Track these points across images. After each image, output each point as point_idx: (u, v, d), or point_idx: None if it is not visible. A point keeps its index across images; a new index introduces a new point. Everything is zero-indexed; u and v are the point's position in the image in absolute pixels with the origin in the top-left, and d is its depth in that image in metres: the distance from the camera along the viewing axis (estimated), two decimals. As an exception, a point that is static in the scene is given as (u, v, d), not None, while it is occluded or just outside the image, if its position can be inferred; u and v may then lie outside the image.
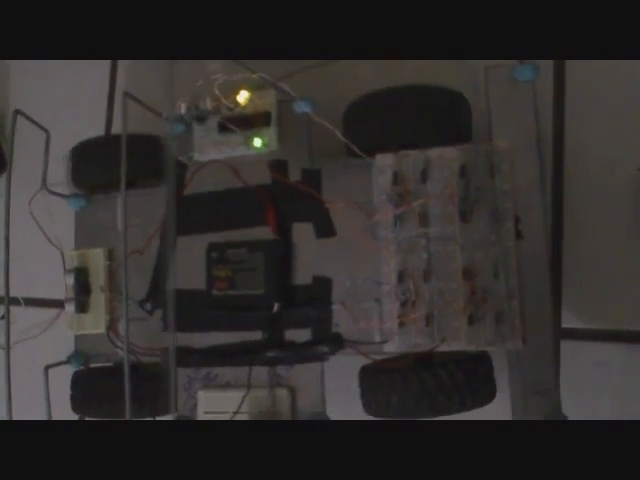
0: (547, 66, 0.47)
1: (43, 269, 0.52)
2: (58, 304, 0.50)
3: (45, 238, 0.48)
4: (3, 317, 0.43)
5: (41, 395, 0.46)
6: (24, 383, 0.44)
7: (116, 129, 0.60)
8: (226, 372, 0.44)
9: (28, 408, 0.43)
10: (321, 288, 0.43)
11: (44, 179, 0.48)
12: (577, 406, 0.44)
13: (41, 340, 0.48)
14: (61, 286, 0.49)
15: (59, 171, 0.50)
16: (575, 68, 0.47)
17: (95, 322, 0.48)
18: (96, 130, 0.59)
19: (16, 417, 0.42)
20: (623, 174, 0.46)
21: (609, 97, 0.47)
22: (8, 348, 0.42)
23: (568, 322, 0.46)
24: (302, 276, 0.43)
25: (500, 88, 0.40)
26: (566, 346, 0.44)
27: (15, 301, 0.50)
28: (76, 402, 0.47)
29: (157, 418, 0.45)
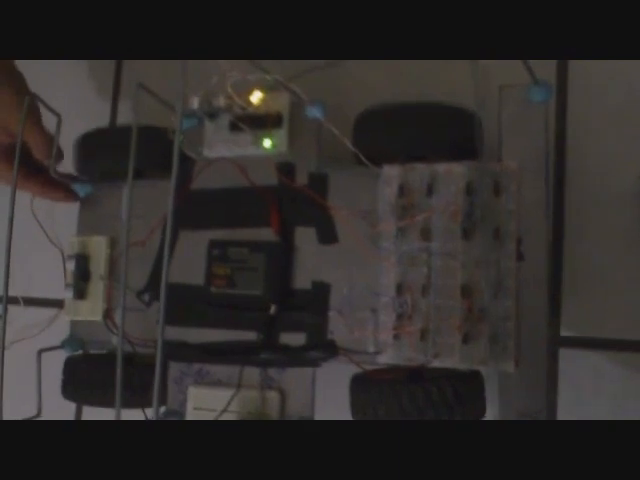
0: (550, 70, 0.47)
1: (43, 269, 0.52)
2: (57, 304, 0.50)
3: (46, 238, 0.49)
4: (1, 317, 0.43)
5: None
6: (20, 382, 0.44)
7: (122, 119, 0.60)
8: (218, 370, 0.45)
9: (23, 406, 0.44)
10: (319, 294, 0.42)
11: (52, 164, 0.48)
12: (574, 412, 0.45)
13: (39, 340, 0.48)
14: (61, 286, 0.49)
15: (64, 162, 0.50)
16: (577, 74, 0.47)
17: (92, 309, 0.48)
18: (101, 121, 0.59)
19: (11, 412, 0.42)
20: (624, 182, 0.46)
21: (610, 103, 0.47)
22: (3, 348, 0.42)
23: (566, 330, 0.46)
24: (301, 280, 0.43)
25: (513, 107, 0.40)
26: (564, 354, 0.45)
27: (14, 300, 0.50)
28: (67, 388, 0.47)
29: (147, 410, 0.45)
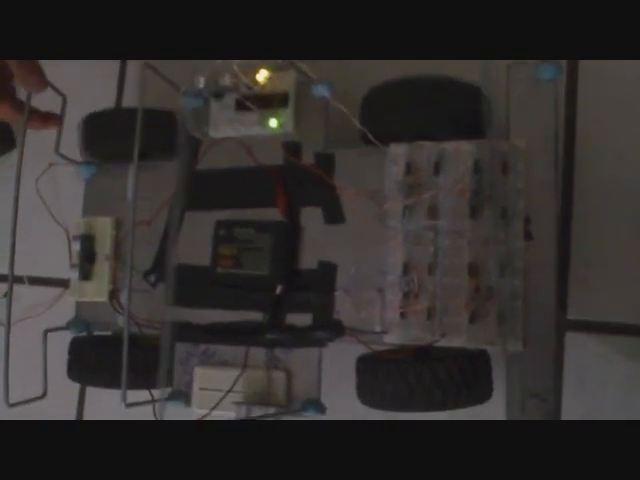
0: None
1: (48, 248, 0.52)
2: (62, 283, 0.50)
3: (51, 218, 0.48)
4: (6, 295, 0.43)
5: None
6: (26, 361, 0.44)
7: (127, 101, 0.59)
8: (224, 350, 0.44)
9: (29, 385, 0.44)
10: (326, 274, 0.42)
11: (57, 144, 0.48)
12: (580, 398, 0.44)
13: (45, 320, 0.48)
14: (65, 266, 0.49)
15: (69, 144, 0.50)
16: (588, 64, 0.47)
17: (97, 290, 0.48)
18: (107, 102, 0.59)
19: (16, 392, 0.42)
20: (634, 165, 0.46)
21: (622, 87, 0.46)
22: (9, 326, 0.42)
23: (573, 314, 0.46)
24: (308, 260, 0.43)
25: (521, 85, 0.40)
26: (571, 338, 0.45)
27: (19, 280, 0.50)
28: (72, 368, 0.47)
29: (152, 390, 0.45)
